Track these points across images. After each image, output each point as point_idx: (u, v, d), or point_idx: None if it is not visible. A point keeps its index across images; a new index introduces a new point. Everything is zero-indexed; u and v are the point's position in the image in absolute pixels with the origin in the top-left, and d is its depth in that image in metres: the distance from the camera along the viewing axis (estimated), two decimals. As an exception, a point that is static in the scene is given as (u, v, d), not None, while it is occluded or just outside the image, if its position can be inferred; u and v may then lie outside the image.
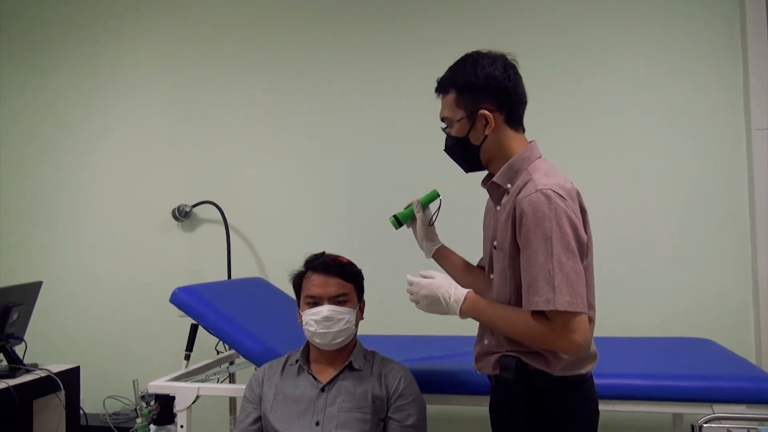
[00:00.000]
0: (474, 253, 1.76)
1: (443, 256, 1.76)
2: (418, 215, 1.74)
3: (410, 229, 1.80)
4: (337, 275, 1.76)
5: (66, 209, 3.58)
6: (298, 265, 1.83)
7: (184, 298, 2.26)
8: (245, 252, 3.33)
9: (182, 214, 3.37)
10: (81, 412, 2.75)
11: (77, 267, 3.53)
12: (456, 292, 1.46)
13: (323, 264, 1.77)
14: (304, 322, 1.76)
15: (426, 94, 3.09)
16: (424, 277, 1.52)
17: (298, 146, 3.31)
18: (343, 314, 1.74)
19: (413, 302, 1.53)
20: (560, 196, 1.34)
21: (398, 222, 1.76)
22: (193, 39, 3.45)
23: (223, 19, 3.42)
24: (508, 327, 1.41)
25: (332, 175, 3.27)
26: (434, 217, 1.75)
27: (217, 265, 3.28)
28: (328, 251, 1.86)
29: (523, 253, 1.36)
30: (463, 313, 1.45)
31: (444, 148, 1.57)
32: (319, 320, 1.72)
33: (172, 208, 3.39)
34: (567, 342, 1.32)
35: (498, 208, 1.49)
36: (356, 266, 1.84)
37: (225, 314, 2.22)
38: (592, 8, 3.02)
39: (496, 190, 1.50)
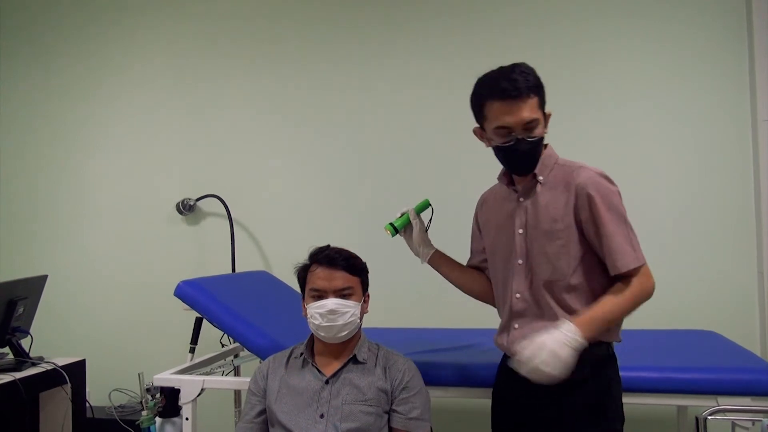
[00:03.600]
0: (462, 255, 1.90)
1: (439, 260, 1.89)
2: (414, 222, 1.87)
3: (403, 237, 1.92)
4: (342, 269, 1.76)
5: (70, 203, 3.58)
6: (302, 258, 1.83)
7: (189, 292, 2.27)
8: (249, 245, 3.34)
9: (187, 208, 3.37)
10: (87, 404, 2.77)
11: (82, 261, 3.54)
12: (565, 330, 1.44)
13: (328, 257, 1.77)
14: (308, 315, 1.76)
15: (432, 88, 3.12)
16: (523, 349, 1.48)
17: (303, 139, 3.31)
18: (348, 307, 1.74)
19: (531, 370, 1.43)
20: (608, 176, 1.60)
21: (395, 230, 1.88)
22: (198, 32, 3.44)
23: (229, 12, 3.41)
24: (622, 310, 1.53)
25: (337, 168, 3.26)
26: (428, 225, 1.91)
27: (222, 258, 3.28)
28: (333, 244, 1.86)
29: (601, 227, 1.53)
30: (586, 338, 1.45)
31: (518, 151, 1.57)
32: (323, 313, 1.72)
33: (176, 202, 3.39)
34: (653, 285, 1.55)
35: (521, 199, 1.65)
36: (361, 259, 1.83)
37: (230, 307, 2.23)
38: (596, 0, 3.00)
39: (530, 182, 1.64)
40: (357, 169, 3.23)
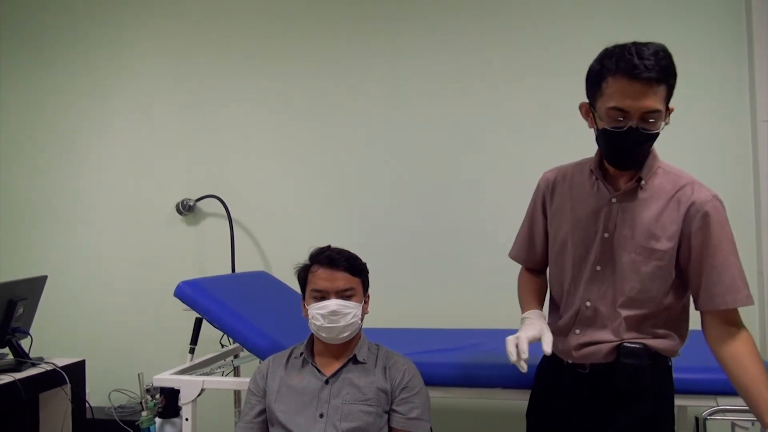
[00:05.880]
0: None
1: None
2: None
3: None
4: (343, 269, 1.75)
5: (70, 203, 3.58)
6: (302, 258, 1.83)
7: (189, 292, 2.27)
8: (249, 246, 3.34)
9: (186, 209, 3.37)
10: (87, 405, 2.77)
11: (82, 261, 3.54)
12: None
13: (329, 258, 1.77)
14: (310, 316, 1.75)
15: (434, 89, 3.11)
16: None
17: (303, 139, 3.31)
18: (350, 308, 1.74)
19: None
20: None
21: None
22: (198, 31, 3.44)
23: (228, 12, 3.41)
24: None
25: (337, 168, 3.26)
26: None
27: (221, 258, 3.28)
28: (333, 244, 1.86)
29: (713, 256, 1.42)
30: None
31: (627, 141, 1.40)
32: (325, 314, 1.72)
33: (176, 203, 3.39)
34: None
35: (614, 200, 1.48)
36: (362, 260, 1.83)
37: (229, 308, 2.23)
38: (596, 0, 3.00)
39: (631, 183, 1.48)
40: (357, 170, 3.23)
